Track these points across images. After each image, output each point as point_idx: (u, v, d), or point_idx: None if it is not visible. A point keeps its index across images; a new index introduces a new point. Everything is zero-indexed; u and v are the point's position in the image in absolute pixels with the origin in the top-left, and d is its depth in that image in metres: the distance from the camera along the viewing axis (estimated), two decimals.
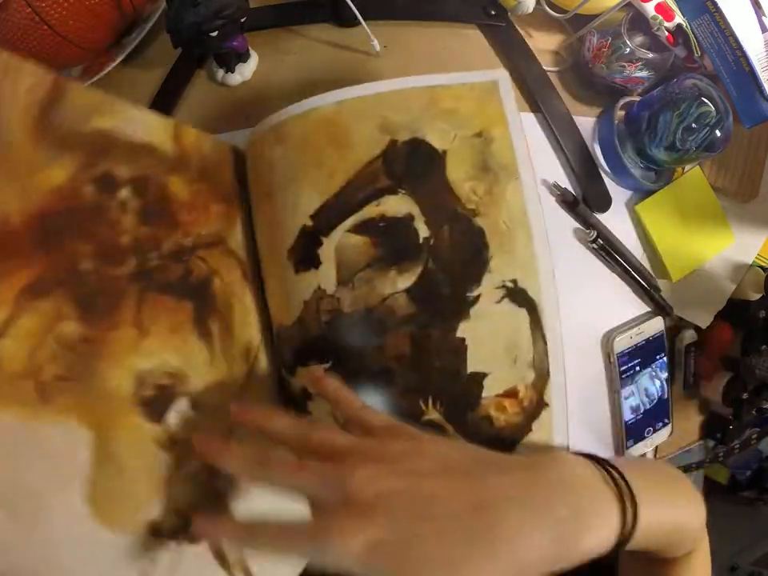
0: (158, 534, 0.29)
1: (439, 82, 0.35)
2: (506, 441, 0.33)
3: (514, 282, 0.34)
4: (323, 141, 0.34)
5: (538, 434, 0.33)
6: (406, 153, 0.34)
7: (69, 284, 0.26)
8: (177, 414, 0.31)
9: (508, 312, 0.34)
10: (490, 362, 0.33)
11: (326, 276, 0.34)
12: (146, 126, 0.32)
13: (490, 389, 0.33)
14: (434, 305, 0.33)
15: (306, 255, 0.34)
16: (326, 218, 0.34)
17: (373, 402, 0.33)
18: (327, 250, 0.34)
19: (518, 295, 0.34)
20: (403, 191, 0.34)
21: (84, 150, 0.28)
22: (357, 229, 0.34)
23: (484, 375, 0.33)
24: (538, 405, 0.34)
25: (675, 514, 0.26)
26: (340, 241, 0.34)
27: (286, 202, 0.35)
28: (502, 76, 0.36)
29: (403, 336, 0.33)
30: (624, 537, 0.22)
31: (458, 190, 0.34)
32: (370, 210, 0.33)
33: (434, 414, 0.33)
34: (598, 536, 0.21)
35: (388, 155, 0.34)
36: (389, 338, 0.33)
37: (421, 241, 0.33)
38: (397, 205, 0.34)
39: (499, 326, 0.34)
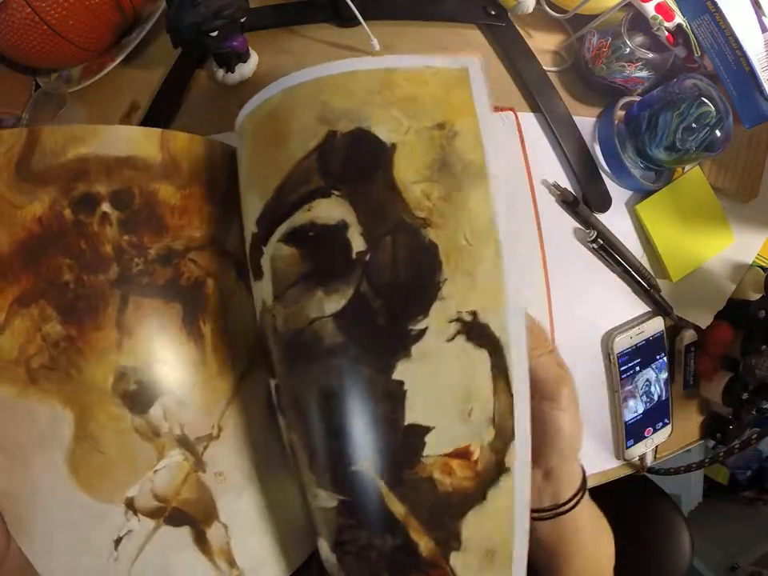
0: (136, 511, 0.31)
1: (397, 65, 0.28)
2: (453, 509, 0.27)
3: (474, 314, 0.26)
4: (266, 137, 0.30)
5: (494, 503, 0.27)
6: (345, 146, 0.27)
7: (51, 293, 0.31)
8: (162, 408, 0.32)
9: (462, 352, 0.26)
10: (436, 414, 0.27)
11: (266, 289, 0.30)
12: (128, 140, 0.33)
13: (435, 446, 0.27)
14: (366, 337, 0.27)
15: (254, 264, 0.30)
16: (265, 226, 0.29)
17: (299, 438, 0.29)
18: (266, 260, 0.29)
19: (477, 331, 0.26)
20: (337, 193, 0.27)
21: (62, 179, 0.32)
22: (287, 238, 0.28)
23: (427, 429, 0.27)
24: (497, 469, 0.27)
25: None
26: (273, 251, 0.29)
27: (243, 207, 0.32)
28: (473, 63, 0.29)
29: (330, 369, 0.27)
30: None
31: (406, 193, 0.27)
32: (301, 217, 0.28)
33: (363, 465, 0.27)
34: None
35: (323, 149, 0.27)
36: (315, 369, 0.27)
37: (354, 255, 0.27)
38: (329, 210, 0.27)
39: (450, 369, 0.26)
